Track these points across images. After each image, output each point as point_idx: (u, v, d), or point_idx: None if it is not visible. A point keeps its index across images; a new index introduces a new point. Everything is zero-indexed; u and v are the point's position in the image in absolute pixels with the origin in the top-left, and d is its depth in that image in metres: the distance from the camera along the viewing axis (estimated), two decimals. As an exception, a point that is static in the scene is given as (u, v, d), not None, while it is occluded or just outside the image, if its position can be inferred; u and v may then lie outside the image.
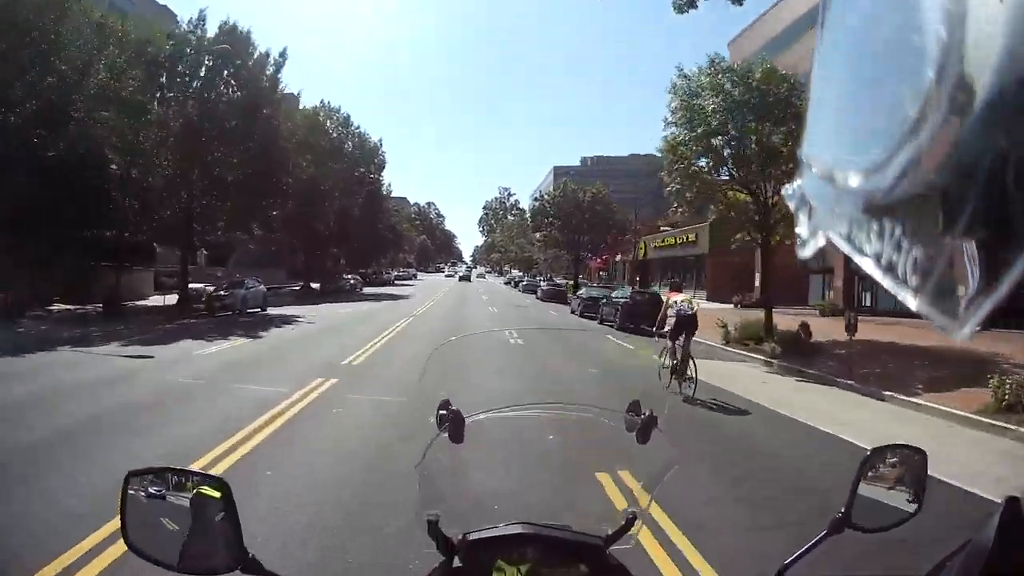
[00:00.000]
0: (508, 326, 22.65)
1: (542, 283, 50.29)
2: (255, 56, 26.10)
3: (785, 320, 18.24)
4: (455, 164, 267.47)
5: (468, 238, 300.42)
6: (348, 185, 42.33)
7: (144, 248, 27.35)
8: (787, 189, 0.62)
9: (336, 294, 40.08)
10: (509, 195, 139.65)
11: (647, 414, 1.34)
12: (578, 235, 48.48)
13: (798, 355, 14.80)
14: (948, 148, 0.36)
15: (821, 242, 0.54)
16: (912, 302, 0.41)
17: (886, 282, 0.44)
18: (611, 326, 22.41)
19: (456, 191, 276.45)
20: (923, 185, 0.39)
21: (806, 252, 0.58)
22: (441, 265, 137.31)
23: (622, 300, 23.24)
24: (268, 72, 26.74)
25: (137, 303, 25.04)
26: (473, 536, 1.20)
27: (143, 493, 1.09)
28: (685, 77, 17.58)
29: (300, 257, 45.08)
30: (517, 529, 1.20)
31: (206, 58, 24.53)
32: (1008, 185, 0.33)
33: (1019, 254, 0.34)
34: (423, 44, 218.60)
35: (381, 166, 48.37)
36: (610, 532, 1.25)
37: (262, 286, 26.99)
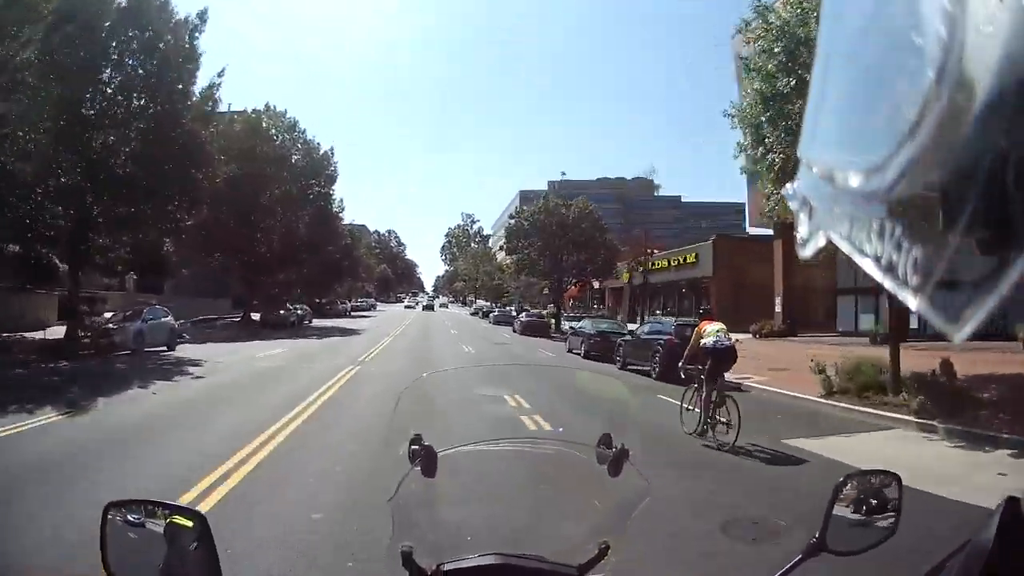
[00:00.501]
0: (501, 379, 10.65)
1: (519, 314, 42.49)
2: (171, 23, 20.71)
3: (834, 353, 13.50)
4: (415, 192, 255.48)
5: (429, 268, 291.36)
6: (293, 199, 36.22)
7: (43, 265, 21.64)
8: (787, 189, 0.62)
9: (278, 328, 32.97)
10: (473, 222, 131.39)
11: (619, 447, 1.36)
12: (561, 256, 39.38)
13: (945, 407, 9.76)
14: (948, 148, 0.36)
15: (821, 242, 0.54)
16: (912, 302, 0.41)
17: (886, 282, 0.44)
18: (642, 372, 15.93)
19: (417, 220, 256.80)
20: (923, 185, 0.39)
21: (806, 252, 0.58)
22: (402, 295, 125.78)
23: (661, 337, 16.17)
24: (182, 40, 20.89)
25: (26, 335, 18.89)
26: (447, 567, 1.21)
27: (121, 523, 1.13)
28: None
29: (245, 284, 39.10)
30: (491, 560, 1.22)
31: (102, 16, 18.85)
32: (1008, 185, 0.33)
33: (1019, 254, 0.34)
34: (381, 67, 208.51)
35: (332, 178, 40.23)
36: (583, 562, 1.26)
37: (168, 318, 21.33)
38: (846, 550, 1.24)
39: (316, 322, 41.14)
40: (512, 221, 42.04)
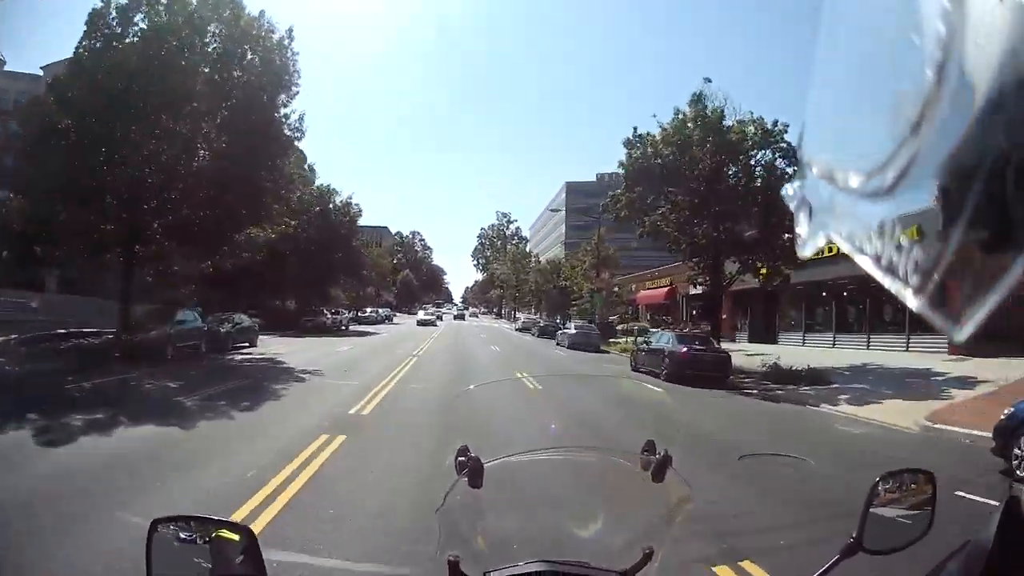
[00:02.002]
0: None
1: (651, 339, 20.32)
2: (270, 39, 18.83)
3: None
4: (443, 195, 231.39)
5: (457, 279, 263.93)
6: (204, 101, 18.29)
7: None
8: (787, 189, 0.62)
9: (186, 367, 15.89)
10: (509, 221, 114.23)
11: (662, 454, 1.38)
12: (718, 214, 19.62)
13: None
14: (948, 148, 0.36)
15: (821, 242, 0.54)
16: (912, 302, 0.41)
17: (886, 282, 0.44)
18: None
19: (446, 226, 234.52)
20: (923, 185, 0.39)
21: (806, 252, 0.58)
22: (427, 305, 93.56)
23: None
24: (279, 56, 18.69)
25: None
26: (493, 575, 1.24)
27: (167, 539, 1.13)
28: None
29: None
30: (536, 567, 1.24)
31: None
32: (1008, 185, 0.33)
33: (1019, 254, 0.34)
34: (409, 60, 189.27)
35: (288, 85, 19.98)
36: (627, 568, 1.28)
37: None
38: (883, 549, 1.25)
39: (270, 343, 24.46)
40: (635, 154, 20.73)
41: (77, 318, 18.24)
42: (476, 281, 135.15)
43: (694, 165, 19.52)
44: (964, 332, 0.39)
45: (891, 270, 0.43)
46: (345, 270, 44.12)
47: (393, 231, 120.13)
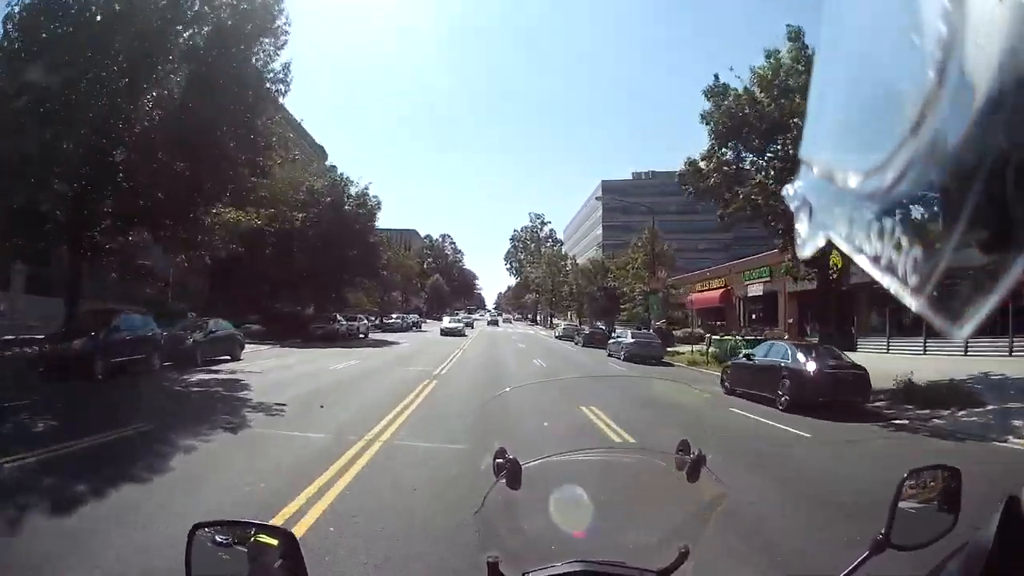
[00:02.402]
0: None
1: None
2: None
3: None
4: (474, 199, 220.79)
5: (489, 285, 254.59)
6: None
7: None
8: (787, 189, 0.62)
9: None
10: (543, 223, 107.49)
11: (696, 453, 1.40)
12: None
13: None
14: (948, 148, 0.36)
15: (821, 242, 0.54)
16: (912, 302, 0.41)
17: (885, 281, 0.44)
18: None
19: (476, 231, 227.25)
20: (923, 185, 0.39)
21: (806, 252, 0.58)
22: (458, 311, 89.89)
23: None
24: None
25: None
26: (532, 575, 1.26)
27: (207, 544, 1.14)
28: None
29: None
30: (574, 567, 1.26)
31: None
32: (1008, 185, 0.33)
33: (1019, 254, 0.34)
34: (437, 57, 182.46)
35: (275, 33, 16.09)
36: (664, 567, 1.30)
37: None
38: (910, 545, 1.26)
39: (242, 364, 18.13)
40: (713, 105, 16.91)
41: (53, 322, 15.54)
42: (509, 287, 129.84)
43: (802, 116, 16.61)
44: (964, 332, 0.39)
45: (891, 270, 0.43)
46: (361, 269, 38.40)
47: (422, 234, 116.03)
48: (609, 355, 27.66)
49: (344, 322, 35.84)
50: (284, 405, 10.25)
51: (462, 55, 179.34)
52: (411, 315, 63.80)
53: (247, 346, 21.48)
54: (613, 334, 33.52)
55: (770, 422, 10.45)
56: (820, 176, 0.53)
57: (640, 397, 8.41)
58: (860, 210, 0.46)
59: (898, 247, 0.43)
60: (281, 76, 16.53)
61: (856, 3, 0.48)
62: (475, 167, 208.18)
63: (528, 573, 1.25)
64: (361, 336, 37.06)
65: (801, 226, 0.58)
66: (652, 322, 33.56)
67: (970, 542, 0.87)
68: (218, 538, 1.14)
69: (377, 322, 50.77)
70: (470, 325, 60.88)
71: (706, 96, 16.82)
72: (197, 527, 1.14)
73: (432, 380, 14.80)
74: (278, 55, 16.12)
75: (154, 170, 14.67)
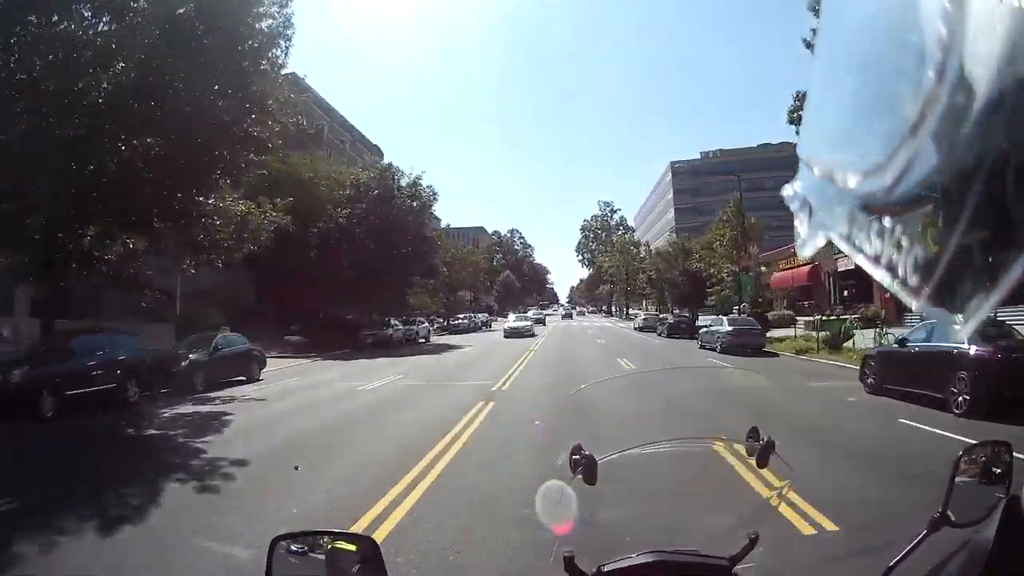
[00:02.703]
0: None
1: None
2: None
3: None
4: (542, 192, 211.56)
5: (561, 279, 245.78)
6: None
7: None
8: (787, 189, 0.62)
9: None
10: (612, 211, 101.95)
11: (765, 440, 1.43)
12: None
13: None
14: (948, 148, 0.36)
15: (821, 242, 0.54)
16: (912, 302, 0.41)
17: (885, 281, 0.44)
18: None
19: (546, 225, 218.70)
20: (923, 185, 0.39)
21: (806, 252, 0.58)
22: (530, 307, 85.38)
23: None
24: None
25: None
26: (607, 568, 1.27)
27: (287, 556, 1.16)
28: None
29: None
30: (648, 558, 1.28)
31: None
32: (1008, 185, 0.33)
33: (1019, 254, 0.34)
34: (491, 50, 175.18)
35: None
36: (735, 553, 1.32)
37: None
38: (967, 522, 1.27)
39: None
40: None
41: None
42: (581, 279, 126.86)
43: None
44: (965, 332, 0.39)
45: (891, 269, 0.43)
46: (417, 267, 34.12)
47: (490, 231, 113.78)
48: (701, 346, 24.16)
49: (399, 327, 32.92)
50: (245, 464, 6.95)
51: (515, 44, 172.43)
52: (480, 314, 59.41)
53: (280, 361, 19.50)
54: (702, 322, 29.82)
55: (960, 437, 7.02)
56: (820, 176, 0.53)
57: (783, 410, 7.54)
58: (860, 210, 0.46)
59: (898, 247, 0.43)
60: (280, 28, 13.57)
61: (856, 3, 0.48)
62: (539, 159, 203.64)
63: (604, 566, 1.27)
64: (421, 341, 33.98)
65: (802, 226, 0.58)
66: (745, 306, 29.29)
67: (970, 542, 0.87)
68: (294, 547, 1.16)
69: (444, 323, 48.88)
70: (541, 322, 53.89)
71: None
72: (277, 540, 1.16)
73: (488, 403, 10.80)
74: (279, 9, 13.52)
75: (132, 149, 12.43)
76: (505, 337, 34.94)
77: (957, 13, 0.35)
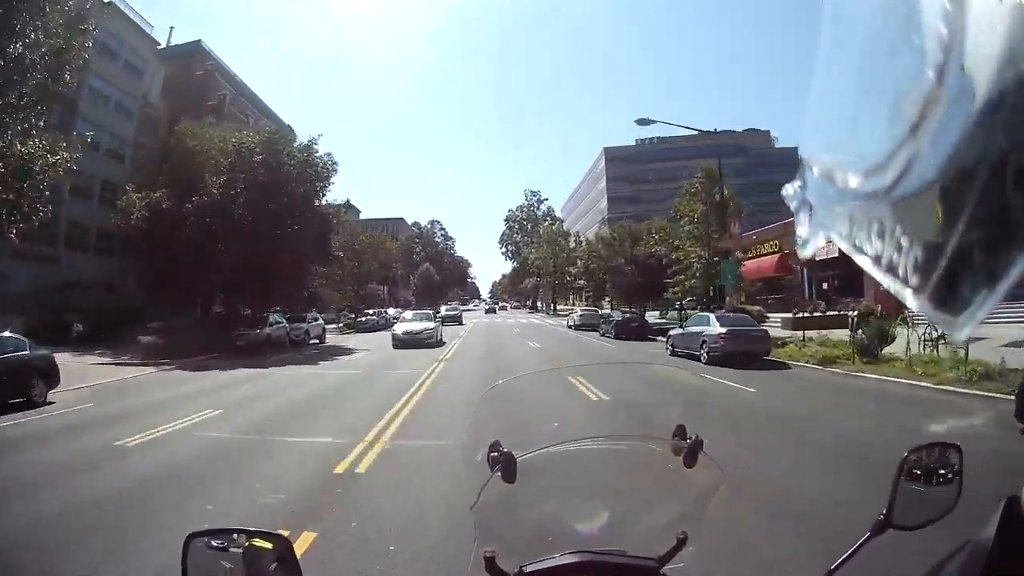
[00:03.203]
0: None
1: None
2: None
3: None
4: (463, 181, 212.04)
5: (483, 274, 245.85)
6: None
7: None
8: (787, 189, 0.62)
9: None
10: (539, 200, 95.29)
11: (693, 438, 1.40)
12: None
13: None
14: (948, 148, 0.36)
15: (821, 242, 0.54)
16: (912, 302, 0.41)
17: (886, 281, 0.44)
18: None
19: (468, 219, 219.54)
20: (923, 185, 0.39)
21: (806, 252, 0.58)
22: (451, 302, 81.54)
23: None
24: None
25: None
26: (529, 568, 1.25)
27: (202, 552, 1.15)
28: None
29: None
30: (572, 558, 1.25)
31: None
32: (1008, 185, 0.33)
33: (1019, 254, 0.34)
34: (415, 33, 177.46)
35: None
36: (663, 553, 1.30)
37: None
38: (912, 525, 1.26)
39: None
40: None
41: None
42: (504, 274, 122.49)
43: None
44: (964, 332, 0.39)
45: (891, 269, 0.43)
46: (310, 250, 28.04)
47: (410, 223, 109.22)
48: (674, 352, 19.07)
49: (282, 324, 26.96)
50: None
51: (440, 28, 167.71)
52: (393, 309, 51.67)
53: (123, 370, 15.98)
54: (659, 321, 28.03)
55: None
56: (820, 176, 0.53)
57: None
58: (860, 210, 0.46)
59: (898, 247, 0.43)
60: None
61: (856, 3, 0.48)
62: (463, 151, 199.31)
63: (526, 566, 1.24)
64: (313, 342, 28.91)
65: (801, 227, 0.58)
66: (729, 300, 24.60)
67: (970, 542, 0.87)
68: (214, 543, 1.14)
69: (353, 320, 42.47)
70: (457, 319, 46.67)
71: None
72: (192, 537, 1.14)
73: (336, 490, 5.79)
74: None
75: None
76: (395, 347, 24.87)
77: (957, 13, 0.35)
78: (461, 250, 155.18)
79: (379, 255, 51.78)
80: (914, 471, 1.30)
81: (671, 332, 21.06)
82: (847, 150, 0.49)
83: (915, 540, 1.28)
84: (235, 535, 1.15)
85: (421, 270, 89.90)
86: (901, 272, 0.42)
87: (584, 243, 58.13)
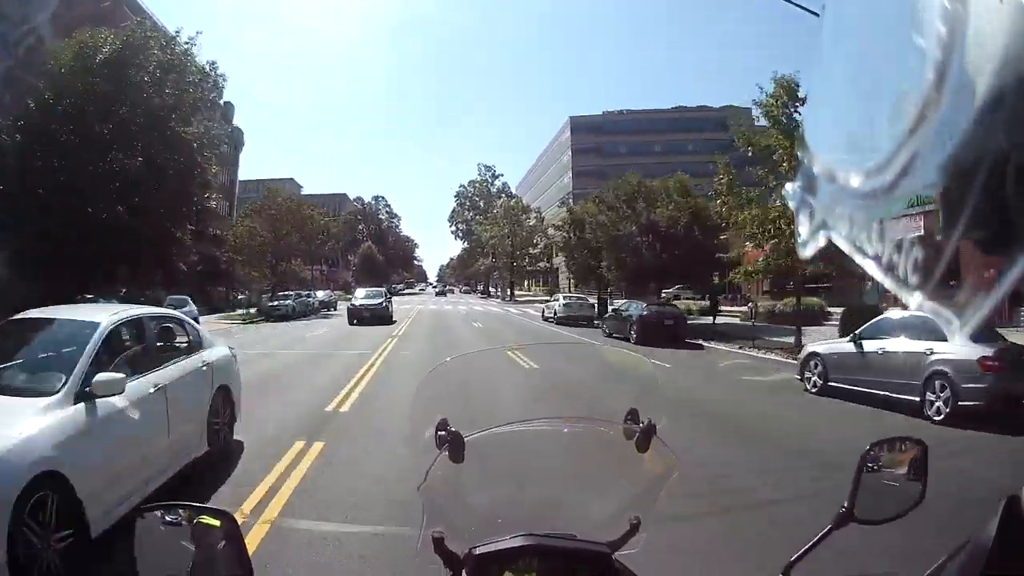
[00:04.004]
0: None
1: None
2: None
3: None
4: (414, 165, 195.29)
5: (430, 258, 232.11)
6: None
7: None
8: (787, 189, 0.62)
9: None
10: (494, 175, 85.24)
11: (646, 423, 1.37)
12: None
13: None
14: (948, 148, 0.36)
15: (821, 242, 0.54)
16: (912, 302, 0.41)
17: (886, 281, 0.44)
18: None
19: (416, 199, 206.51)
20: (923, 185, 0.39)
21: (806, 252, 0.58)
22: (398, 285, 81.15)
23: None
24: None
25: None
26: (479, 550, 1.22)
27: (153, 527, 1.15)
28: None
29: None
30: (522, 541, 1.23)
31: None
32: (1008, 185, 0.33)
33: (1019, 254, 0.34)
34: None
35: None
36: (615, 538, 1.28)
37: None
38: (874, 519, 1.26)
39: None
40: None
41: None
42: (452, 258, 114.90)
43: None
44: (964, 332, 0.39)
45: (891, 270, 0.43)
46: (169, 199, 19.75)
47: (352, 198, 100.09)
48: (819, 390, 10.12)
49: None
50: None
51: None
52: (324, 292, 44.92)
53: None
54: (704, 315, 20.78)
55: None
56: (820, 176, 0.53)
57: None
58: (860, 210, 0.46)
59: (898, 247, 0.43)
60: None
61: (856, 3, 0.48)
62: (411, 124, 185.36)
63: (475, 548, 1.22)
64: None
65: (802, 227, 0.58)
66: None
67: (970, 542, 0.87)
68: (168, 517, 1.14)
69: (271, 303, 32.27)
70: (381, 315, 27.14)
71: None
72: (141, 510, 1.14)
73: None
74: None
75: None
76: (350, 324, 22.91)
77: (957, 13, 0.35)
78: (407, 232, 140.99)
79: (299, 225, 40.42)
80: (875, 465, 1.29)
81: (811, 351, 10.73)
82: (847, 150, 0.49)
83: (878, 534, 1.25)
84: (184, 510, 1.14)
85: (362, 249, 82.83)
86: (901, 272, 0.42)
87: (559, 218, 43.84)
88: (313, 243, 45.65)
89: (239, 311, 34.73)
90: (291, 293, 35.58)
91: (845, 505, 1.24)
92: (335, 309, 39.21)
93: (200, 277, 33.44)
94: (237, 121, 49.18)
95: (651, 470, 1.40)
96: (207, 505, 1.19)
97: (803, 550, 1.23)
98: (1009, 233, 0.34)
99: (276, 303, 32.23)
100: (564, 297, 30.15)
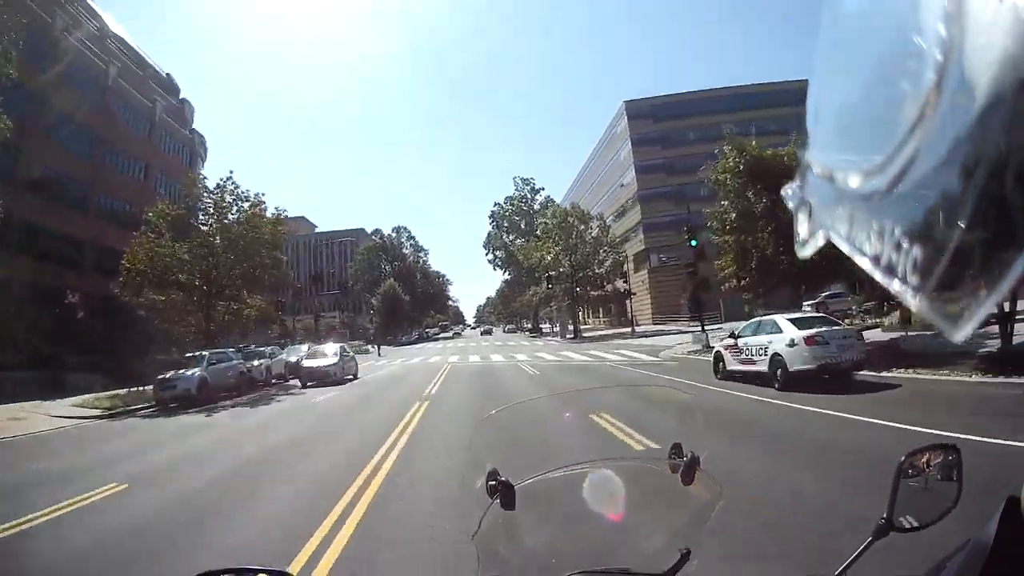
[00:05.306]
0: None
1: None
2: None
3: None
4: (439, 198, 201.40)
5: (466, 299, 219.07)
6: None
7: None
8: (786, 189, 0.62)
9: None
10: (534, 189, 71.72)
11: (689, 456, 1.41)
12: None
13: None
14: (948, 148, 0.36)
15: (821, 242, 0.54)
16: (912, 302, 0.41)
17: (887, 282, 0.44)
18: None
19: (443, 239, 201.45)
20: (923, 185, 0.39)
21: (806, 252, 0.58)
22: (429, 330, 69.88)
23: None
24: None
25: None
26: None
27: None
28: None
29: None
30: None
31: None
32: (1008, 185, 0.33)
33: (1019, 254, 0.34)
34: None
35: None
36: (666, 569, 1.31)
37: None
38: (914, 527, 1.26)
39: None
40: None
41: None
42: (488, 298, 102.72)
43: None
44: (964, 333, 0.39)
45: (890, 270, 0.43)
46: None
47: (369, 231, 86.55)
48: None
49: None
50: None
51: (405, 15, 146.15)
52: (303, 346, 30.19)
53: None
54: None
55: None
56: (820, 176, 0.53)
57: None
58: (860, 210, 0.46)
59: (898, 247, 0.43)
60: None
61: (857, 3, 0.48)
62: (437, 153, 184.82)
63: None
64: None
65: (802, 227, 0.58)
66: None
67: (970, 542, 0.87)
68: None
69: (158, 378, 19.02)
70: (328, 381, 21.50)
71: None
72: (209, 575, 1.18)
73: None
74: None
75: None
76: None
77: (957, 13, 0.35)
78: (437, 266, 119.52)
79: (261, 241, 24.84)
80: (912, 472, 1.30)
81: None
82: (847, 150, 0.49)
83: (917, 541, 1.27)
84: (244, 573, 1.18)
85: (384, 288, 67.26)
86: (901, 272, 0.42)
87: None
88: (272, 271, 27.07)
89: (106, 391, 20.60)
90: (228, 350, 22.83)
91: (884, 516, 1.25)
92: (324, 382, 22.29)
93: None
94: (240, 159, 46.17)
95: (697, 501, 1.44)
96: (267, 568, 1.21)
97: (846, 563, 1.25)
98: (1009, 233, 0.34)
99: (170, 375, 19.08)
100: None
